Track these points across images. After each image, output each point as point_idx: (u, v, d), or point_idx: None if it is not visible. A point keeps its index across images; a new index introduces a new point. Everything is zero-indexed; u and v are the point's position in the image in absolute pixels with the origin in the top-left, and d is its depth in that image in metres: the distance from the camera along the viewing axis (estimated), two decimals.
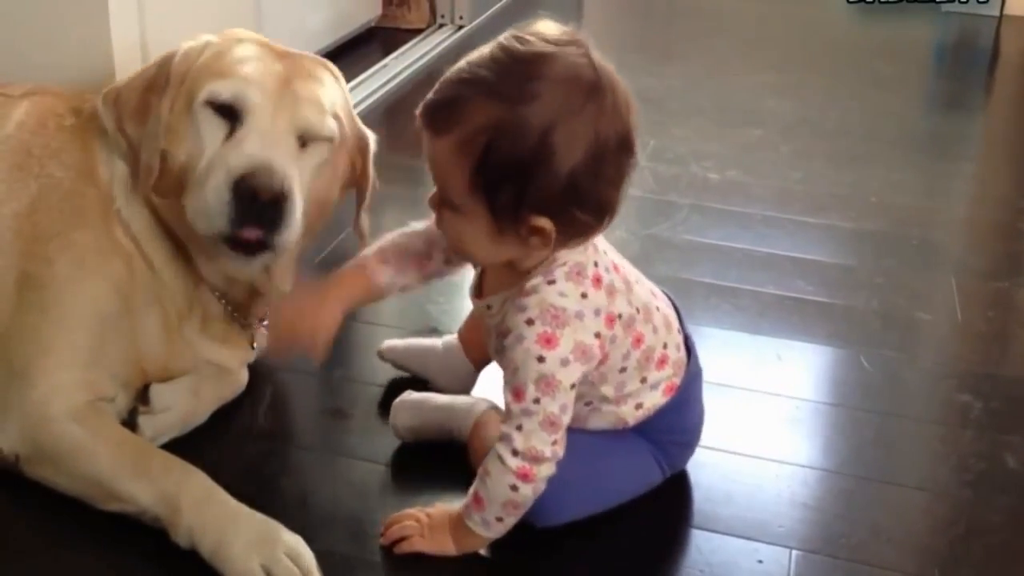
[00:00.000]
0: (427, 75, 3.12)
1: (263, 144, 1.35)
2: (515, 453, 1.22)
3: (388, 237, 1.41)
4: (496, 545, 1.30)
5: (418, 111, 1.20)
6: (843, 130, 2.92)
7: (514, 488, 1.23)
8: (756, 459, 1.51)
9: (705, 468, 1.47)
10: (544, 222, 1.18)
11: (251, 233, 1.33)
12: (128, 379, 1.44)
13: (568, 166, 1.15)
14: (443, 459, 1.45)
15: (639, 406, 1.35)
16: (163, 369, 1.48)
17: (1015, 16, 4.03)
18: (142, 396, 1.45)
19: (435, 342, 1.63)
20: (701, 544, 1.35)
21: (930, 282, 2.09)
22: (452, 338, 1.61)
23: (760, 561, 1.32)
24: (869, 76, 3.40)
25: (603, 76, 1.17)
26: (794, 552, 1.34)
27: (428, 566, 1.28)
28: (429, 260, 1.39)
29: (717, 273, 2.05)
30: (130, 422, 1.42)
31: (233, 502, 1.28)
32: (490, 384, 1.56)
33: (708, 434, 1.48)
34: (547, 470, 1.23)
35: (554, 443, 1.23)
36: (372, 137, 1.55)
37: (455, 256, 1.37)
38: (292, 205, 1.34)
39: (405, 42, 3.36)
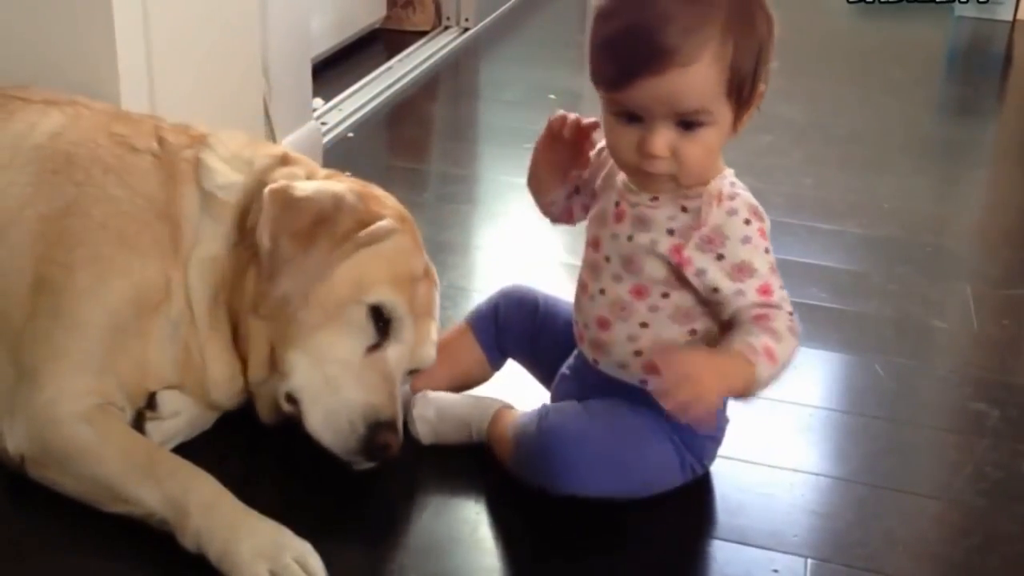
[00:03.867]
0: (432, 77, 3.05)
1: (395, 395, 1.41)
2: (792, 331, 1.28)
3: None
4: (510, 554, 1.30)
5: (635, 68, 1.20)
6: (855, 136, 2.91)
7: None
8: (770, 467, 1.50)
9: (718, 477, 1.46)
10: (762, 85, 1.28)
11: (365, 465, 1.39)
12: (134, 394, 1.42)
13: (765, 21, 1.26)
14: (455, 461, 1.45)
15: None
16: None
17: None
18: (150, 401, 1.44)
19: None
20: (715, 554, 1.34)
21: (944, 289, 2.08)
22: None
23: (775, 571, 1.31)
24: (880, 81, 3.39)
25: None
26: (809, 561, 1.32)
27: (438, 572, 1.28)
28: None
29: None
30: (137, 427, 1.41)
31: (241, 506, 1.26)
32: (497, 387, 1.56)
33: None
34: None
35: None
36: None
37: None
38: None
39: (410, 44, 3.34)
